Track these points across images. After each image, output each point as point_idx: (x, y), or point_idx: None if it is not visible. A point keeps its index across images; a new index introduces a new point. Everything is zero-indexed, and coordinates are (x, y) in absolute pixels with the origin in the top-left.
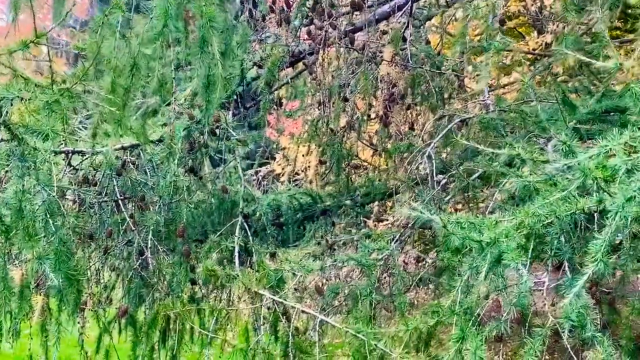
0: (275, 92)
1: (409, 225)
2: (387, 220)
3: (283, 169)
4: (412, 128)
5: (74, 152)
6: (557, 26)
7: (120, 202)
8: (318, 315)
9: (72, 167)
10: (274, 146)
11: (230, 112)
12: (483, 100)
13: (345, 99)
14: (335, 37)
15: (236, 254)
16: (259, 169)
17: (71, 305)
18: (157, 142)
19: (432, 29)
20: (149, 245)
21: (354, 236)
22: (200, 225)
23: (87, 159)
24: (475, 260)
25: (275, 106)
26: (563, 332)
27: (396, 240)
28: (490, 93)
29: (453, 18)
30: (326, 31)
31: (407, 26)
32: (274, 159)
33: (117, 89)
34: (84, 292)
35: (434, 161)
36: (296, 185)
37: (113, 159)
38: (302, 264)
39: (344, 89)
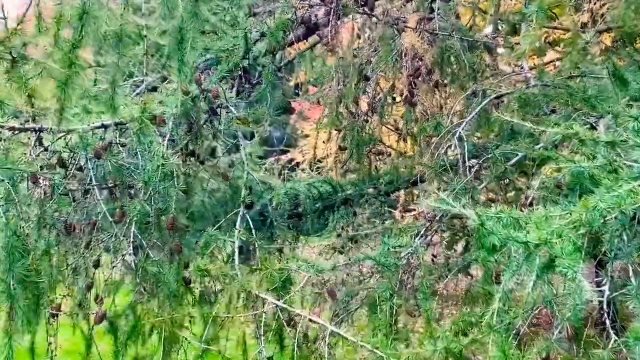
0: (296, 77)
1: (437, 218)
2: (415, 210)
3: (304, 157)
4: (440, 109)
5: (39, 130)
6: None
7: (98, 189)
8: (328, 327)
9: (44, 149)
10: (298, 133)
11: (235, 89)
12: (520, 74)
13: (367, 78)
14: (351, 2)
15: (236, 250)
16: (280, 157)
17: (25, 313)
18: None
19: (463, 3)
20: (130, 240)
21: (377, 227)
22: (214, 216)
23: (60, 139)
24: (519, 265)
25: (296, 90)
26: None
27: (421, 236)
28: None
29: None
30: None
31: None
32: (296, 146)
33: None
34: (59, 295)
35: (465, 144)
36: (318, 173)
37: (89, 139)
38: (311, 263)
39: (365, 67)
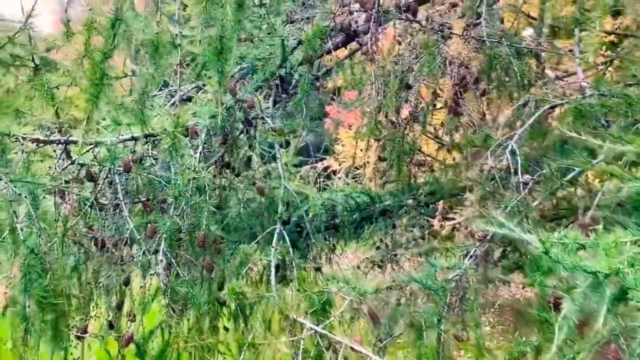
0: (332, 81)
1: (487, 238)
2: (454, 219)
3: (340, 164)
4: (483, 118)
5: (65, 143)
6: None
7: (128, 203)
8: (370, 355)
9: (71, 162)
10: (333, 139)
11: (272, 99)
12: (572, 83)
13: (408, 86)
14: (393, 8)
15: (272, 270)
16: (315, 164)
17: (41, 335)
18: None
19: (506, 7)
20: (160, 258)
21: (417, 241)
22: (250, 227)
23: (88, 151)
24: (586, 296)
25: (332, 95)
26: None
27: (470, 257)
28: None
29: None
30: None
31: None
32: (333, 153)
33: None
34: (86, 316)
35: (518, 158)
36: (355, 180)
37: (118, 151)
38: (352, 285)
39: (407, 75)
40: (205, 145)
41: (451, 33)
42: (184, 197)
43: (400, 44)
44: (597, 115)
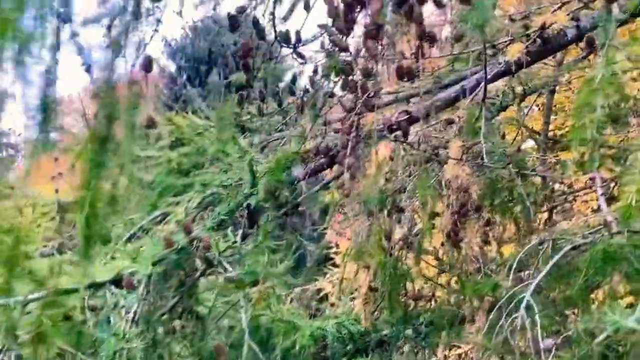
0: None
1: None
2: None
3: (333, 286)
4: (483, 245)
5: None
6: None
7: None
8: None
9: None
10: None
11: (240, 233)
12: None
13: (400, 209)
14: (374, 129)
15: None
16: (306, 286)
17: None
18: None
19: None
20: None
21: None
22: None
23: None
24: None
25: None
26: None
27: None
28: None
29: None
30: (359, 114)
31: (480, 113)
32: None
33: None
34: None
35: (537, 317)
36: (351, 303)
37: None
38: None
39: (399, 195)
40: (147, 299)
41: (448, 157)
42: None
43: (392, 159)
44: (629, 259)
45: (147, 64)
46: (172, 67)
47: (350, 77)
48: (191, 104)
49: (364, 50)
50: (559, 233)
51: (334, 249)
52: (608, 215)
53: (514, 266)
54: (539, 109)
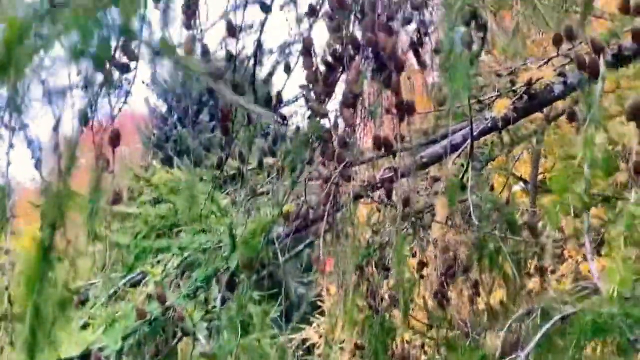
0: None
1: None
2: None
3: (320, 337)
4: (470, 304)
5: None
6: None
7: None
8: None
9: None
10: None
11: (219, 298)
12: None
13: (386, 268)
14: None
15: None
16: (292, 336)
17: None
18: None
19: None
20: None
21: None
22: None
23: None
24: None
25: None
26: None
27: None
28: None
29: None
30: (336, 184)
31: (467, 169)
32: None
33: None
34: None
35: None
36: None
37: None
38: None
39: (385, 249)
40: None
41: (433, 220)
42: None
43: (380, 210)
44: (621, 329)
45: (115, 138)
46: (163, 108)
47: (330, 143)
48: (181, 145)
49: (340, 119)
50: (548, 302)
51: (324, 293)
52: (598, 280)
53: (502, 339)
54: (528, 152)
